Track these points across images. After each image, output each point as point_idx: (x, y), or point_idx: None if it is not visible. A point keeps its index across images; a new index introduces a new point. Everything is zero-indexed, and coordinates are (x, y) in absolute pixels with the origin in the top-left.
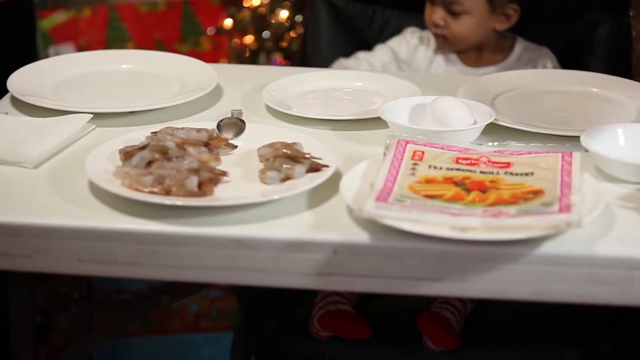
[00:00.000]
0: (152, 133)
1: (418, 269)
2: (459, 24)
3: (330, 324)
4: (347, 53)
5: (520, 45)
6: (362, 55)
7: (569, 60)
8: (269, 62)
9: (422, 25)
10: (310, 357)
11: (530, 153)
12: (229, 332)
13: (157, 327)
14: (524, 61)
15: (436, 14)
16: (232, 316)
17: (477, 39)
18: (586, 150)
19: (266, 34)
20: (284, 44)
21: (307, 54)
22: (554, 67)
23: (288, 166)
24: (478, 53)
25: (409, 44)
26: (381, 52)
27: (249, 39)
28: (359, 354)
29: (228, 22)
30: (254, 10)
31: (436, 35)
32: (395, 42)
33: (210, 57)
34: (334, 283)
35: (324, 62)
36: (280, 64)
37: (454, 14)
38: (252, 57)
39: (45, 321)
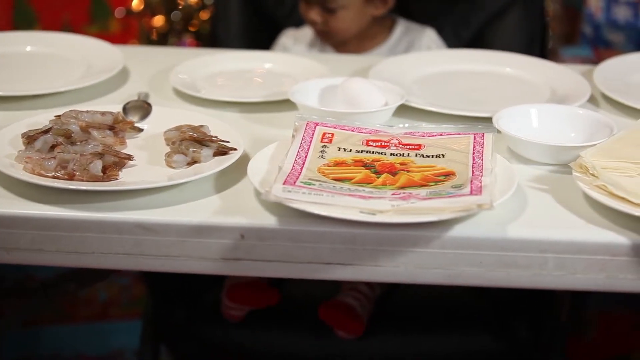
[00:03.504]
0: (55, 116)
1: (327, 254)
2: (337, 19)
3: (237, 296)
4: (258, 34)
5: (401, 27)
6: None
7: (483, 39)
8: (180, 43)
9: None
10: (220, 344)
11: (441, 135)
12: (139, 321)
13: (66, 315)
14: (405, 43)
15: (312, 13)
16: (142, 304)
17: (357, 29)
18: (498, 131)
19: (175, 15)
20: (195, 26)
21: (217, 35)
22: (438, 48)
23: (194, 149)
24: (357, 41)
25: (284, 46)
26: None
27: (158, 20)
28: (269, 339)
29: (137, 3)
30: None
31: (316, 32)
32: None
33: (119, 39)
34: (241, 268)
35: (235, 43)
36: (191, 46)
37: (330, 11)
38: (162, 39)
39: None
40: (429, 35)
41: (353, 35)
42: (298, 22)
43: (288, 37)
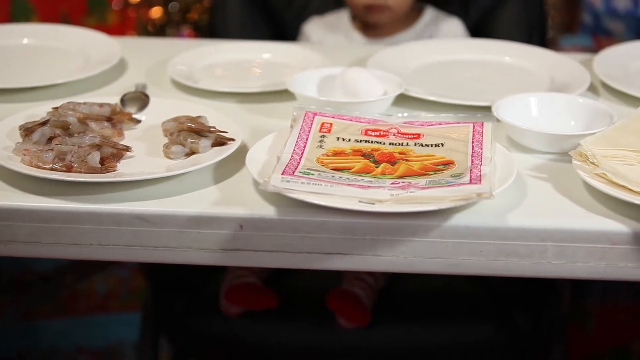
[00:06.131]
0: (53, 108)
1: (326, 244)
2: None
3: (236, 298)
4: (257, 23)
5: (429, 15)
6: None
7: (483, 28)
8: (177, 34)
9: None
10: (220, 335)
11: (440, 124)
12: (138, 313)
13: (65, 308)
14: (430, 31)
15: None
16: (142, 296)
17: (408, 6)
18: (498, 120)
19: (173, 6)
20: (193, 16)
21: (215, 26)
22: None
23: (193, 140)
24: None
25: (307, 35)
26: None
27: (156, 11)
28: (269, 331)
29: None
30: None
31: (374, 8)
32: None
33: (117, 30)
34: (240, 259)
35: (233, 34)
36: (189, 37)
37: None
38: (160, 30)
39: None
40: (455, 24)
41: (403, 12)
42: (297, 12)
43: (311, 26)
